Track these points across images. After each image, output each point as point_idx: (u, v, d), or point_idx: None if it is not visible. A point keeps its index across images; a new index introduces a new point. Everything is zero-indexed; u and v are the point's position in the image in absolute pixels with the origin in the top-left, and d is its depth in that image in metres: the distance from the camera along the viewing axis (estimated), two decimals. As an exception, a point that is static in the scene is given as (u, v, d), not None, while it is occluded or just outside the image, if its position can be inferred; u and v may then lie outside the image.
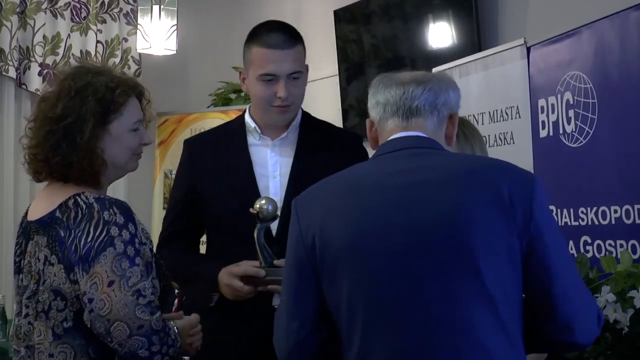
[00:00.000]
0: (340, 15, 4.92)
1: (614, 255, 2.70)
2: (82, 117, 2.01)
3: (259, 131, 2.59)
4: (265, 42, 2.49)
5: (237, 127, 2.65)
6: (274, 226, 2.49)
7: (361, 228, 1.66)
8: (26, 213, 2.11)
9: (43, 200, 2.06)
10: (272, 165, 2.58)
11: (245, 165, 2.56)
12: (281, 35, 2.51)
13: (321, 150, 2.57)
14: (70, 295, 1.95)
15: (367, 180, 1.72)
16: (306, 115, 2.66)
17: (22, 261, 2.05)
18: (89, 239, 1.93)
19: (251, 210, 2.41)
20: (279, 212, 2.44)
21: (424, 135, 1.76)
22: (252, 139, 2.61)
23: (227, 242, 2.55)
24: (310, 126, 2.65)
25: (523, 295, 1.72)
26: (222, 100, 5.58)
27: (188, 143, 2.73)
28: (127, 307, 1.88)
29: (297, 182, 2.48)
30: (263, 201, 2.43)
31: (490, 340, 1.62)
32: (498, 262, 1.64)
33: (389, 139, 1.79)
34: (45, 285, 1.98)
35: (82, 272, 1.92)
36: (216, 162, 2.62)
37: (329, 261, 1.69)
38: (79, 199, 1.99)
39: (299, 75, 2.51)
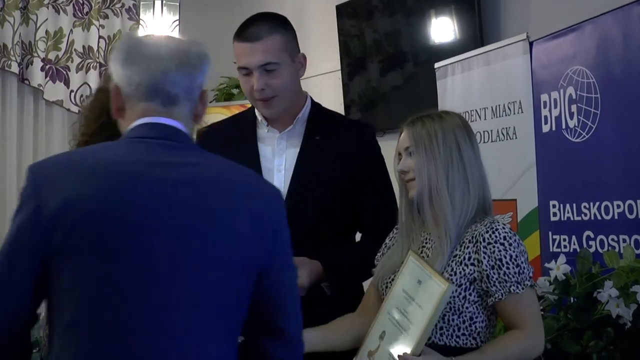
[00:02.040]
0: (343, 10, 4.92)
1: (616, 250, 2.70)
2: None
3: (266, 123, 2.57)
4: (239, 35, 2.48)
5: (248, 119, 2.63)
6: None
7: (119, 223, 1.53)
8: None
9: None
10: (277, 159, 2.56)
11: (252, 159, 2.53)
12: (254, 27, 2.47)
13: (327, 143, 2.54)
14: None
15: (126, 167, 1.60)
16: (315, 107, 2.61)
17: None
18: None
19: None
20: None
21: (180, 127, 1.69)
22: (261, 132, 2.59)
23: None
24: (319, 118, 2.60)
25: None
26: (225, 95, 5.59)
27: (198, 134, 2.71)
28: None
29: (300, 175, 2.47)
30: None
31: None
32: (244, 284, 1.60)
33: (143, 122, 1.67)
34: None
35: None
36: (225, 154, 2.59)
37: (71, 249, 1.53)
38: None
39: (274, 67, 2.44)
